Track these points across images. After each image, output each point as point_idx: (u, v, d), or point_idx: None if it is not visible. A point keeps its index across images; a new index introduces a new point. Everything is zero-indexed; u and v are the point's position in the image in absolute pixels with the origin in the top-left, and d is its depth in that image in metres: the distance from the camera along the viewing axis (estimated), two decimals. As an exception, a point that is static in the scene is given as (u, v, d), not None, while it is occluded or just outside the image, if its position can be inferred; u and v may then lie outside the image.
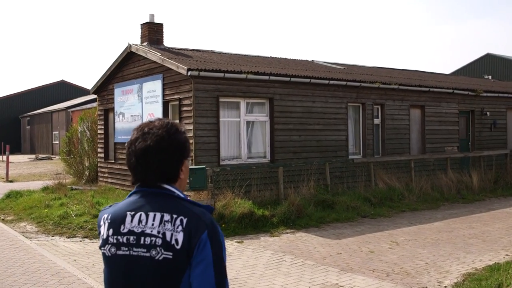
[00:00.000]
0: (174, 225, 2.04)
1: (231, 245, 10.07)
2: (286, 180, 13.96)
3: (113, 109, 18.03)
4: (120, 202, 2.22)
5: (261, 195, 13.28)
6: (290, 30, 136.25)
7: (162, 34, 16.80)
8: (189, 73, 13.37)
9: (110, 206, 2.27)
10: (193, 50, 17.57)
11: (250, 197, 12.93)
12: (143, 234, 2.07)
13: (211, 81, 13.92)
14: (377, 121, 17.89)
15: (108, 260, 2.14)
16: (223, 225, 11.29)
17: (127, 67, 17.13)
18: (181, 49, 17.08)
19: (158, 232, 2.05)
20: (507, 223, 12.06)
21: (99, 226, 2.20)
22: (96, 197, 15.52)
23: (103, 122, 18.87)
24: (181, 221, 2.05)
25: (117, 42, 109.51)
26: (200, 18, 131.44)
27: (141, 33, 16.80)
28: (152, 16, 16.57)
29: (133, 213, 2.12)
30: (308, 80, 15.60)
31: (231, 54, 18.72)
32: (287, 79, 15.14)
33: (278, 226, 11.67)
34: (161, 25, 16.78)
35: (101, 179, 18.95)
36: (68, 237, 11.14)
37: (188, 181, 11.78)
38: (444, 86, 20.13)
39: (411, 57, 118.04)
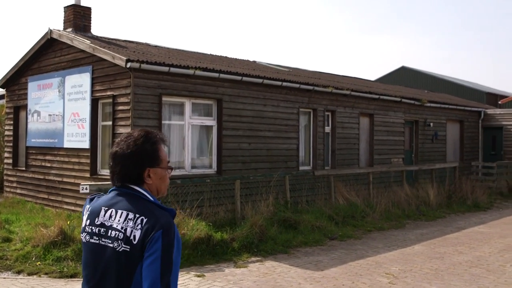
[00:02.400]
0: (135, 223, 2.36)
1: (190, 281, 7.95)
2: (242, 195, 11.97)
3: (26, 106, 15.18)
4: (101, 197, 2.56)
5: (214, 213, 11.21)
6: (213, 28, 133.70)
7: (90, 20, 14.24)
8: (129, 64, 11.07)
9: (93, 195, 2.63)
10: (125, 41, 15.14)
11: (203, 216, 10.83)
12: (111, 227, 2.41)
13: (153, 76, 11.68)
14: (327, 129, 16.35)
15: (84, 246, 2.52)
16: (174, 252, 9.11)
17: (46, 57, 14.40)
18: (112, 39, 14.61)
19: (122, 228, 2.38)
20: (492, 246, 10.80)
21: (83, 215, 2.59)
22: (3, 213, 12.74)
23: (12, 122, 15.92)
24: (142, 220, 2.36)
25: (33, 27, 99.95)
26: (128, 6, 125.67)
27: (64, 17, 14.15)
28: (78, -3, 13.99)
29: (106, 208, 2.48)
30: (260, 80, 13.71)
31: (168, 48, 16.47)
32: (239, 78, 13.18)
33: (241, 252, 9.66)
34: (89, 9, 14.23)
35: (7, 189, 15.96)
36: (-29, 270, 8.51)
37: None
38: (392, 94, 19.02)
39: (331, 65, 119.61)
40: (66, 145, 13.32)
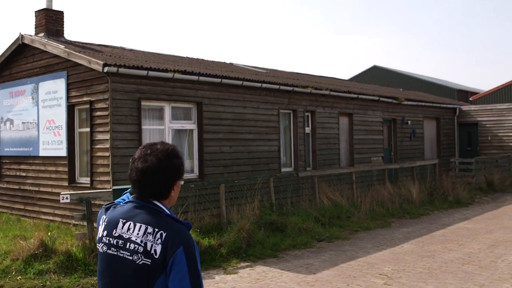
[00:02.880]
0: (154, 238, 2.40)
1: (180, 289, 7.66)
2: (227, 199, 11.72)
3: (-3, 115, 14.67)
4: (117, 208, 2.58)
5: (200, 219, 10.94)
6: (186, 30, 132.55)
7: (63, 24, 13.81)
8: (106, 69, 10.72)
9: (109, 205, 2.64)
10: (100, 45, 14.74)
11: (188, 222, 10.53)
12: (129, 240, 2.44)
13: (131, 80, 11.35)
14: (308, 129, 16.20)
15: (101, 256, 2.56)
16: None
17: (17, 63, 13.92)
18: (87, 43, 14.21)
19: (141, 242, 2.41)
20: (481, 242, 10.76)
21: (98, 225, 2.61)
22: (-22, 226, 12.25)
23: (-17, 131, 15.36)
24: (161, 235, 2.40)
25: (2, 33, 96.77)
26: (100, 10, 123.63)
27: (35, 22, 13.68)
28: (49, 1, 13.55)
29: (124, 221, 2.50)
30: (240, 82, 13.48)
31: (144, 51, 16.11)
32: (218, 80, 12.92)
33: (229, 258, 9.42)
34: (61, 13, 13.79)
35: (-20, 201, 15.40)
36: None
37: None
38: (370, 93, 18.98)
39: (304, 65, 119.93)
40: (42, 153, 12.88)
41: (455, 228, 12.62)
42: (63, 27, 13.83)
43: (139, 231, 2.44)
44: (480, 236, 11.53)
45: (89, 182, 11.65)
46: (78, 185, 11.98)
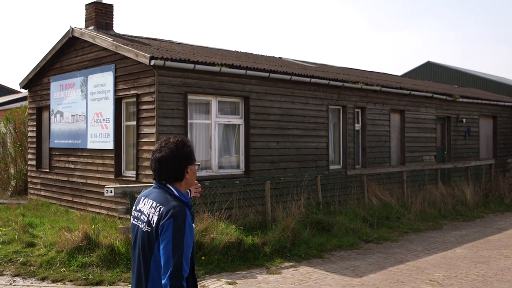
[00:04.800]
0: (155, 211, 3.07)
1: (221, 288, 7.48)
2: (272, 197, 11.48)
3: (48, 107, 14.89)
4: (146, 190, 3.33)
5: (244, 216, 10.74)
6: (235, 25, 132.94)
7: (112, 18, 13.87)
8: (153, 62, 10.64)
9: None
10: (148, 38, 14.74)
11: (232, 219, 10.35)
12: (143, 213, 3.17)
13: (178, 73, 11.24)
14: (357, 126, 15.76)
15: (131, 226, 3.29)
16: (203, 258, 8.67)
17: (67, 56, 14.08)
18: (135, 37, 14.22)
19: (147, 214, 3.12)
20: (539, 250, 10.15)
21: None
22: (27, 216, 12.45)
23: (35, 123, 15.65)
24: (160, 209, 3.05)
25: (54, 26, 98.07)
26: (150, 3, 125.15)
27: (85, 15, 13.80)
28: (100, -6, 13.61)
29: (144, 198, 3.24)
30: (288, 77, 13.19)
31: (192, 45, 16.03)
32: (266, 74, 12.66)
33: (273, 257, 9.18)
34: (110, 6, 13.85)
35: (31, 191, 15.71)
36: (-7, 278, 8.17)
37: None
38: (423, 89, 18.33)
39: (354, 62, 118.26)
40: (90, 146, 12.98)
41: (511, 233, 11.98)
42: (112, 20, 13.88)
43: (149, 206, 3.13)
44: (540, 242, 10.88)
45: (134, 175, 11.62)
46: (124, 178, 11.99)
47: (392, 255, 9.64)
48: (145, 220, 3.09)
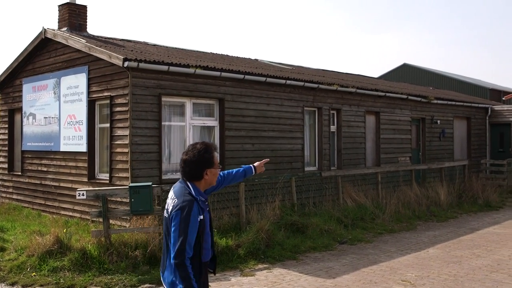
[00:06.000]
0: (172, 201, 3.76)
1: (195, 291, 7.42)
2: (247, 199, 11.46)
3: (20, 109, 14.66)
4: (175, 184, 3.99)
5: (218, 218, 10.70)
6: (212, 26, 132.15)
7: (86, 19, 13.72)
8: (126, 64, 10.55)
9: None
10: (122, 40, 14.63)
11: (206, 221, 10.29)
12: (166, 203, 3.87)
13: (152, 75, 11.17)
14: (333, 128, 15.83)
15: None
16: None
17: (40, 58, 13.89)
18: (109, 38, 14.10)
19: (168, 203, 3.83)
20: (511, 248, 10.28)
21: None
22: (-2, 220, 12.24)
23: (7, 126, 15.39)
24: (174, 201, 3.74)
25: (25, 28, 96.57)
26: (125, 4, 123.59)
27: (59, 16, 13.63)
28: (73, -5, 13.45)
29: (170, 191, 3.90)
30: (263, 78, 13.20)
31: (167, 47, 15.95)
32: (241, 76, 12.65)
33: (247, 259, 9.16)
34: (84, 7, 13.70)
35: (3, 195, 15.45)
36: (-39, 284, 8.01)
37: (129, 204, 9.02)
38: (398, 91, 18.50)
39: (331, 63, 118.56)
40: (63, 148, 12.82)
41: (484, 232, 12.14)
42: (86, 22, 13.74)
43: (170, 197, 3.82)
44: (511, 242, 11.03)
45: (108, 178, 11.51)
46: (97, 181, 11.86)
47: (365, 256, 9.69)
48: (167, 208, 3.80)
